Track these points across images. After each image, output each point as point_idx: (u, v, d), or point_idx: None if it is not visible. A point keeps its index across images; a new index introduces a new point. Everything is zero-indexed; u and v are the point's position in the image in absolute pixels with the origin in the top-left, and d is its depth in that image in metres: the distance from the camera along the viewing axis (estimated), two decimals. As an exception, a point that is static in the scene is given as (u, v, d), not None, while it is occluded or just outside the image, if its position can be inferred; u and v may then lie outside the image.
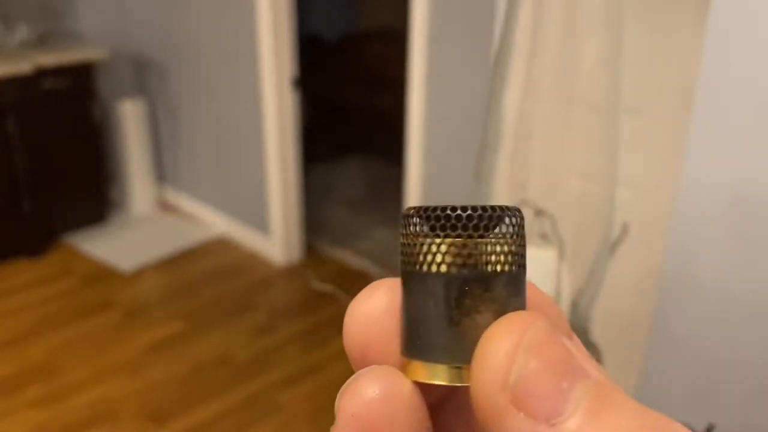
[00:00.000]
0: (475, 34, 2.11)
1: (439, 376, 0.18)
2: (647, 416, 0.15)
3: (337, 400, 0.19)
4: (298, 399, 2.23)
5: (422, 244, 0.17)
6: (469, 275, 0.17)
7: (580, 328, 0.68)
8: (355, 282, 2.87)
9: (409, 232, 0.18)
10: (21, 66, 2.79)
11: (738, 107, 0.93)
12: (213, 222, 3.30)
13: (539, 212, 0.66)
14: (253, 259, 3.08)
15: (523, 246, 0.18)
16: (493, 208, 0.17)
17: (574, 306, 0.67)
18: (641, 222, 0.84)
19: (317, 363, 2.41)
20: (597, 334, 0.70)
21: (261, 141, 2.92)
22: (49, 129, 2.96)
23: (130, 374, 2.32)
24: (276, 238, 3.03)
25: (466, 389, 0.17)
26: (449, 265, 0.17)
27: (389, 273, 2.86)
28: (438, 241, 0.17)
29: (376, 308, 0.19)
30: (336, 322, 2.63)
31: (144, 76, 3.36)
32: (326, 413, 2.18)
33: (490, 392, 0.15)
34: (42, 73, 2.85)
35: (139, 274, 2.91)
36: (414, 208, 0.18)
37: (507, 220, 0.18)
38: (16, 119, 2.82)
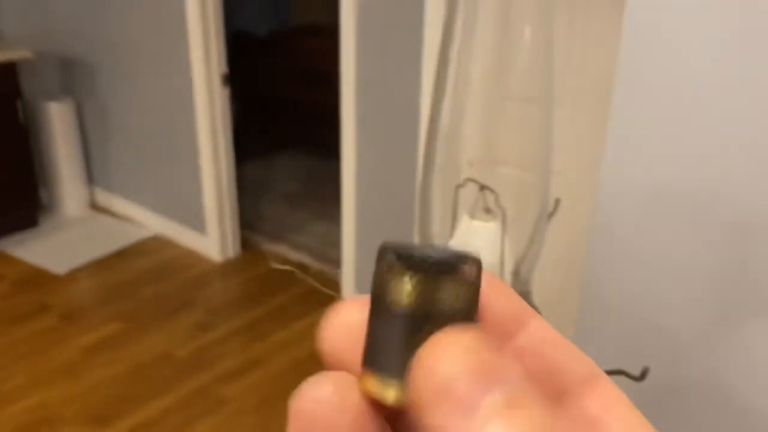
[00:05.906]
0: (404, 26, 2.16)
1: (389, 390, 0.20)
2: (551, 417, 0.17)
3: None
4: (242, 392, 2.26)
5: (391, 279, 0.20)
6: (429, 309, 0.20)
7: (522, 293, 0.75)
8: (293, 275, 2.91)
9: (381, 264, 0.21)
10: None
11: (654, 97, 1.00)
12: (147, 222, 3.27)
13: (483, 187, 0.73)
14: (189, 257, 3.07)
15: (477, 292, 0.21)
16: (457, 253, 0.21)
17: (516, 274, 0.75)
18: (570, 199, 0.91)
19: (258, 356, 2.43)
20: (537, 299, 0.79)
21: (193, 138, 2.91)
22: (-27, 132, 2.89)
23: (69, 377, 2.30)
24: (212, 236, 3.03)
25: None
26: (414, 299, 0.20)
27: (327, 265, 2.91)
28: (405, 278, 0.20)
29: (352, 319, 0.21)
30: (274, 317, 2.66)
31: (71, 76, 3.30)
32: (270, 405, 2.21)
33: (419, 388, 0.18)
34: (-37, 75, 2.78)
35: (74, 276, 2.87)
36: (390, 243, 0.21)
37: (466, 266, 0.21)
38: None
